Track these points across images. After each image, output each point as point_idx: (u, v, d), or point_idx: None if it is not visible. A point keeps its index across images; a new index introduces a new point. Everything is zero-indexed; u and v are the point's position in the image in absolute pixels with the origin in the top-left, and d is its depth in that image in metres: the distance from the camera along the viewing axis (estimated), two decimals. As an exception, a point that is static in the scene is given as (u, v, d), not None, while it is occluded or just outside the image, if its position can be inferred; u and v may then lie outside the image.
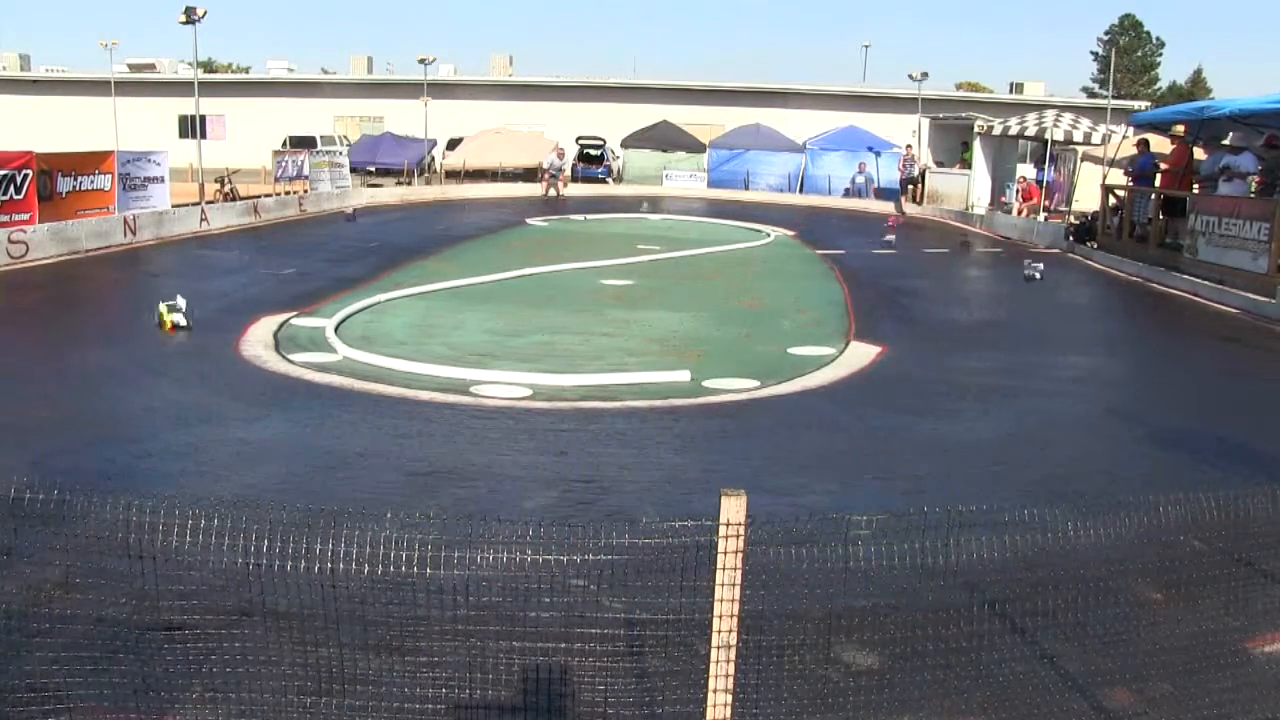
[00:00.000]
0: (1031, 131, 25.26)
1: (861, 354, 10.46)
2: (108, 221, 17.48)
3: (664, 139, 36.66)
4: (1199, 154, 18.35)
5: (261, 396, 8.36)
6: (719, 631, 3.01)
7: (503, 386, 8.76)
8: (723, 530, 2.95)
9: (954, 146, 31.29)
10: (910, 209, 30.14)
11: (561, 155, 33.51)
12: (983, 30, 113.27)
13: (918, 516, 3.48)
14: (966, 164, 28.91)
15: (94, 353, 9.66)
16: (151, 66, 49.25)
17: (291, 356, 9.71)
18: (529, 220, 25.19)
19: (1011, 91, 45.93)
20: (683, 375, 9.24)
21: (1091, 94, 53.58)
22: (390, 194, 30.37)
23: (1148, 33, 63.68)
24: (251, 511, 3.60)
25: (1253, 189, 15.86)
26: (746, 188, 34.75)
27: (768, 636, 4.00)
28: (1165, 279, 15.98)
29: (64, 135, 33.38)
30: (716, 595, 3.00)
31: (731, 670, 3.03)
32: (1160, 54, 64.27)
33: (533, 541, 3.67)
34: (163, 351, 9.66)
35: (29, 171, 15.58)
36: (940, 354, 10.67)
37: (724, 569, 2.97)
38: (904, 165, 31.41)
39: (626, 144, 36.96)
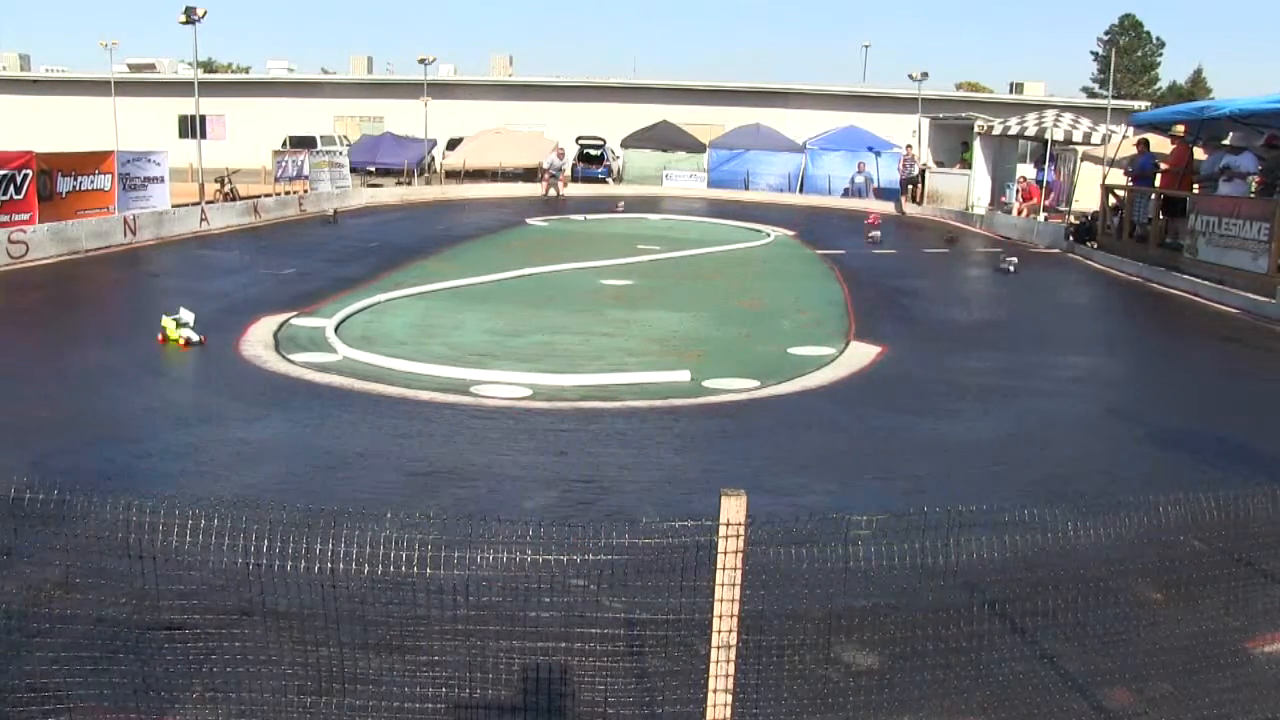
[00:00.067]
0: (1031, 131, 25.26)
1: (861, 354, 10.47)
2: (108, 221, 17.48)
3: (664, 139, 36.66)
4: (1199, 154, 18.36)
5: (261, 396, 8.36)
6: (719, 631, 3.01)
7: (503, 386, 8.76)
8: (723, 530, 2.95)
9: (954, 146, 31.29)
10: (910, 209, 30.15)
11: (561, 155, 33.51)
12: (983, 30, 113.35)
13: (918, 516, 3.48)
14: (966, 164, 28.91)
15: (94, 353, 9.66)
16: (151, 66, 49.25)
17: (291, 356, 9.71)
18: (529, 220, 25.20)
19: (1011, 91, 45.93)
20: (683, 375, 9.24)
21: (1091, 94, 53.58)
22: (390, 194, 30.37)
23: (1148, 33, 63.75)
24: (251, 511, 3.60)
25: (1253, 189, 15.86)
26: (746, 188, 34.75)
27: (768, 636, 4.00)
28: (1165, 279, 15.98)
29: (64, 135, 33.37)
30: (716, 595, 3.00)
31: (731, 670, 3.03)
32: (1160, 54, 64.34)
33: (533, 541, 3.67)
34: (163, 352, 9.66)
35: (29, 171, 15.58)
36: (940, 354, 10.67)
37: (724, 569, 2.97)
38: (904, 165, 31.41)
39: (626, 144, 36.95)
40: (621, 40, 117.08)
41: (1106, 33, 64.50)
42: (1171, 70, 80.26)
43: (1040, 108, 28.14)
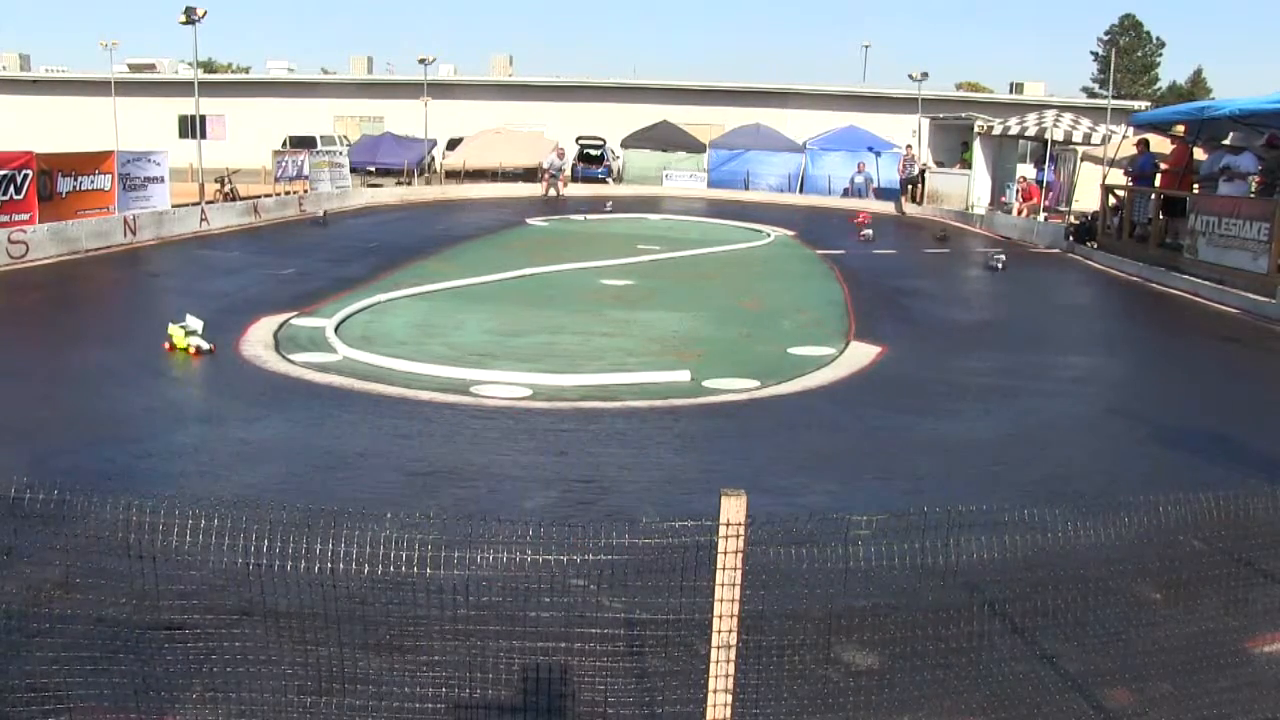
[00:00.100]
0: (1031, 131, 25.26)
1: (861, 354, 10.47)
2: (108, 221, 17.48)
3: (664, 139, 36.66)
4: (1199, 154, 18.36)
5: (261, 396, 8.36)
6: (719, 631, 3.01)
7: (503, 386, 8.76)
8: (723, 530, 2.95)
9: (954, 146, 31.28)
10: (910, 209, 30.15)
11: (561, 155, 33.51)
12: (983, 30, 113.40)
13: (918, 516, 3.48)
14: (966, 164, 28.92)
15: (94, 353, 9.66)
16: (151, 66, 49.27)
17: (291, 356, 9.71)
18: (529, 220, 25.20)
19: (1011, 91, 45.93)
20: (683, 375, 9.24)
21: (1091, 94, 53.59)
22: (390, 194, 30.37)
23: (1148, 33, 63.76)
24: (251, 511, 3.60)
25: (1253, 189, 15.87)
26: (746, 188, 34.75)
27: (768, 636, 4.00)
28: (1165, 279, 15.98)
29: (64, 135, 33.39)
30: (716, 595, 3.00)
31: (731, 670, 3.03)
32: (1160, 54, 64.35)
33: (533, 541, 3.67)
34: (162, 351, 9.65)
35: (29, 171, 15.57)
36: (940, 354, 10.67)
37: (724, 569, 2.97)
38: (904, 165, 31.42)
39: (626, 144, 36.95)
40: (621, 40, 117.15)
41: (1106, 33, 64.59)
42: (1171, 70, 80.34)
43: (1040, 108, 28.14)
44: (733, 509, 2.96)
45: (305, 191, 25.47)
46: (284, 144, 33.29)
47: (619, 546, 3.54)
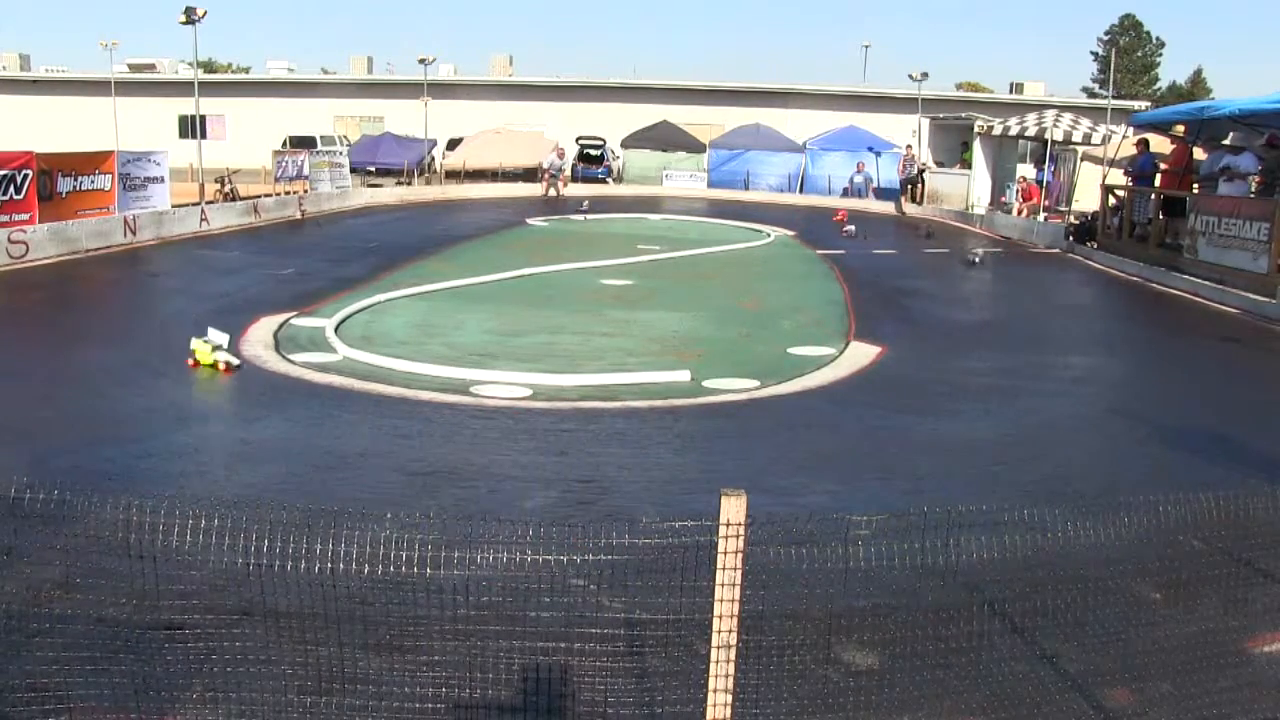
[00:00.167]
0: (1031, 132, 25.25)
1: (861, 354, 10.47)
2: (108, 221, 17.48)
3: (664, 139, 36.66)
4: (1199, 154, 18.36)
5: (261, 396, 8.36)
6: (719, 631, 3.01)
7: (503, 386, 8.76)
8: (723, 530, 2.95)
9: (954, 146, 31.28)
10: (910, 209, 30.15)
11: (561, 155, 33.50)
12: (983, 30, 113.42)
13: (918, 516, 3.48)
14: (966, 164, 28.91)
15: (94, 353, 9.66)
16: (151, 66, 49.27)
17: (291, 356, 9.71)
18: (529, 220, 25.20)
19: (1011, 91, 45.93)
20: (683, 375, 9.24)
21: (1091, 94, 53.58)
22: (390, 194, 30.37)
23: (1148, 33, 63.75)
24: (251, 511, 3.60)
25: (1253, 189, 15.87)
26: (746, 188, 34.74)
27: (768, 636, 4.00)
28: (1165, 279, 15.98)
29: (64, 135, 33.39)
30: (716, 595, 3.00)
31: (731, 670, 3.03)
32: (1160, 54, 64.33)
33: (533, 541, 3.67)
34: (162, 351, 9.66)
35: (29, 171, 15.57)
36: (940, 354, 10.67)
37: (724, 569, 2.97)
38: (904, 165, 31.43)
39: (626, 144, 36.94)
40: (621, 40, 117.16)
41: (1106, 33, 64.57)
42: (1171, 70, 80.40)
43: (1040, 108, 28.13)
44: (733, 509, 2.96)
45: (305, 191, 25.47)
46: (284, 144, 33.26)
47: (619, 546, 3.54)
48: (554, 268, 16.50)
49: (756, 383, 9.15)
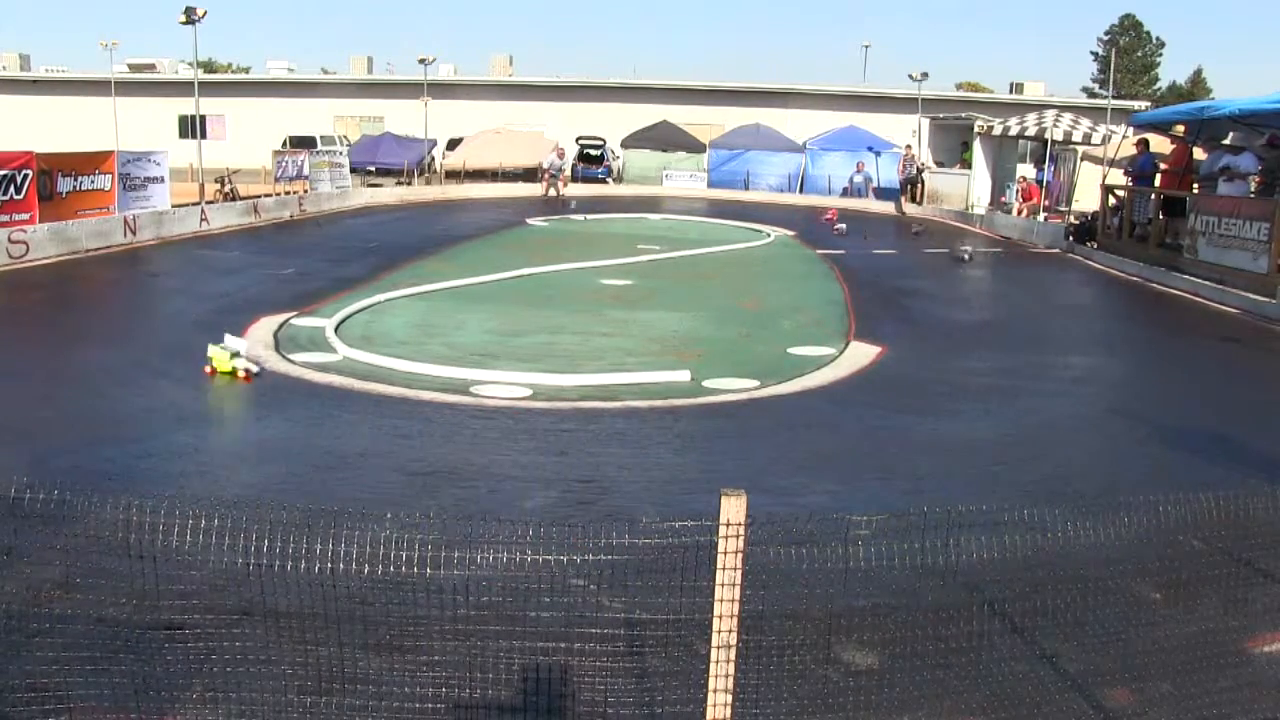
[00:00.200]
0: (1031, 131, 25.25)
1: (861, 354, 10.47)
2: (108, 221, 17.47)
3: (664, 139, 36.65)
4: (1199, 154, 18.36)
5: (261, 396, 8.36)
6: (719, 631, 3.01)
7: (503, 386, 8.76)
8: (723, 530, 2.95)
9: (954, 146, 31.27)
10: (910, 209, 30.15)
11: (562, 155, 33.50)
12: (983, 30, 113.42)
13: (918, 516, 3.48)
14: (966, 164, 28.90)
15: (94, 353, 9.66)
16: (151, 66, 49.26)
17: (292, 356, 9.71)
18: (529, 220, 25.20)
19: (1011, 91, 45.91)
20: (683, 375, 9.24)
21: (1091, 94, 53.59)
22: (390, 194, 30.37)
23: (1148, 33, 63.75)
24: (251, 511, 3.60)
25: (1253, 189, 15.87)
26: (746, 188, 34.75)
27: (768, 636, 4.00)
28: (1165, 279, 15.98)
29: (64, 135, 33.39)
30: (716, 595, 3.00)
31: (731, 670, 3.03)
32: (1160, 54, 64.33)
33: (533, 541, 3.67)
34: (162, 351, 9.66)
35: (29, 171, 15.57)
36: (940, 354, 10.67)
37: (724, 569, 2.97)
38: (903, 165, 31.43)
39: (626, 144, 36.94)
40: (621, 40, 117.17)
41: (1106, 33, 64.57)
42: (1171, 70, 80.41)
43: (1040, 108, 28.13)
44: (733, 509, 2.96)
45: (305, 191, 25.48)
46: (284, 144, 33.27)
47: (619, 546, 3.54)
48: (554, 268, 16.50)
49: (756, 383, 9.15)
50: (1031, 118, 25.50)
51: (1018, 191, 25.46)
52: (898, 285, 15.74)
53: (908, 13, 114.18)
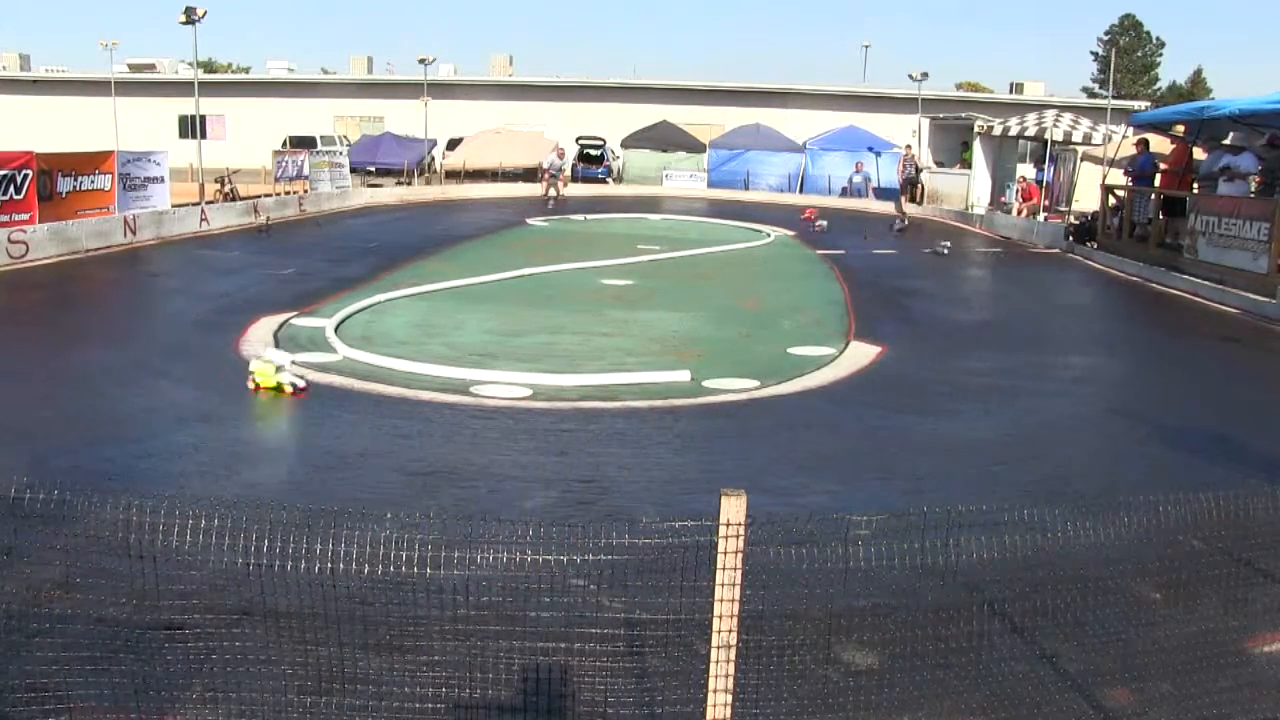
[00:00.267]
0: (1031, 132, 25.26)
1: (861, 354, 10.46)
2: (108, 221, 17.47)
3: (664, 139, 36.66)
4: (1199, 154, 18.36)
5: (262, 397, 8.35)
6: (719, 631, 3.01)
7: (503, 386, 8.76)
8: (723, 530, 2.95)
9: (954, 146, 31.28)
10: (910, 209, 30.13)
11: (562, 155, 33.47)
12: (983, 30, 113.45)
13: (918, 516, 3.48)
14: (966, 164, 28.90)
15: (94, 353, 9.66)
16: (151, 66, 49.26)
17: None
18: (529, 220, 25.20)
19: (1011, 91, 45.92)
20: (683, 375, 9.24)
21: (1091, 94, 53.58)
22: (390, 194, 30.37)
23: (1148, 33, 63.73)
24: (251, 511, 3.60)
25: (1253, 189, 15.86)
26: (746, 188, 34.76)
27: (768, 636, 4.00)
28: (1165, 279, 15.98)
29: (64, 135, 33.39)
30: (716, 595, 3.00)
31: (731, 670, 3.03)
32: (1160, 54, 64.31)
33: (533, 541, 3.67)
34: (162, 351, 9.66)
35: (29, 171, 15.57)
36: (940, 354, 10.67)
37: (724, 569, 2.97)
38: (903, 165, 31.42)
39: (626, 144, 36.95)
40: (621, 40, 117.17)
41: (1106, 33, 64.56)
42: (1171, 70, 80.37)
43: (1040, 108, 28.13)
44: (733, 509, 2.96)
45: (305, 192, 25.48)
46: (284, 144, 33.28)
47: (619, 546, 3.54)
48: (554, 268, 16.50)
49: (756, 383, 9.14)
50: (1031, 118, 25.50)
51: (1018, 192, 25.45)
52: (897, 285, 15.74)
53: (908, 13, 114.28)
